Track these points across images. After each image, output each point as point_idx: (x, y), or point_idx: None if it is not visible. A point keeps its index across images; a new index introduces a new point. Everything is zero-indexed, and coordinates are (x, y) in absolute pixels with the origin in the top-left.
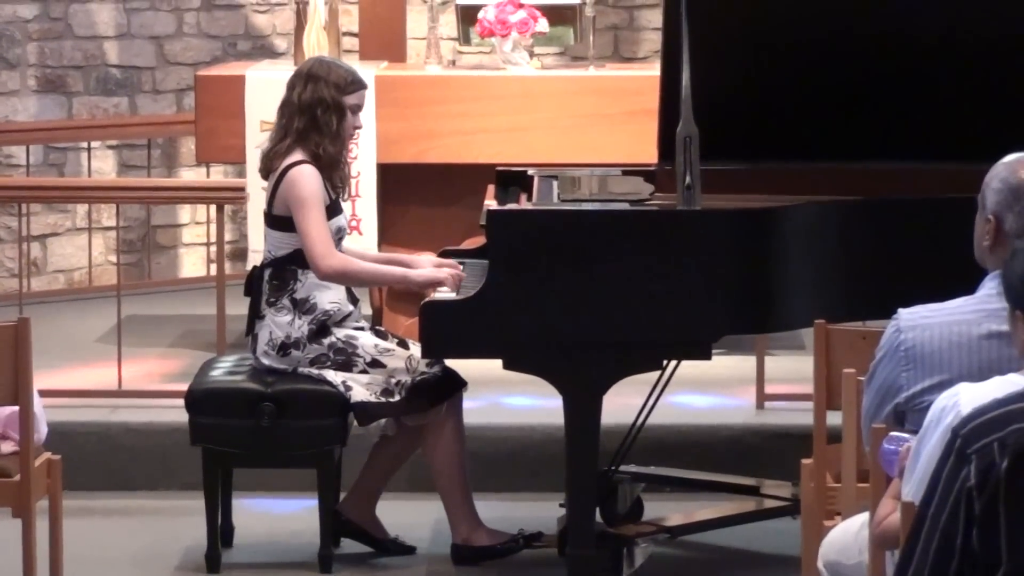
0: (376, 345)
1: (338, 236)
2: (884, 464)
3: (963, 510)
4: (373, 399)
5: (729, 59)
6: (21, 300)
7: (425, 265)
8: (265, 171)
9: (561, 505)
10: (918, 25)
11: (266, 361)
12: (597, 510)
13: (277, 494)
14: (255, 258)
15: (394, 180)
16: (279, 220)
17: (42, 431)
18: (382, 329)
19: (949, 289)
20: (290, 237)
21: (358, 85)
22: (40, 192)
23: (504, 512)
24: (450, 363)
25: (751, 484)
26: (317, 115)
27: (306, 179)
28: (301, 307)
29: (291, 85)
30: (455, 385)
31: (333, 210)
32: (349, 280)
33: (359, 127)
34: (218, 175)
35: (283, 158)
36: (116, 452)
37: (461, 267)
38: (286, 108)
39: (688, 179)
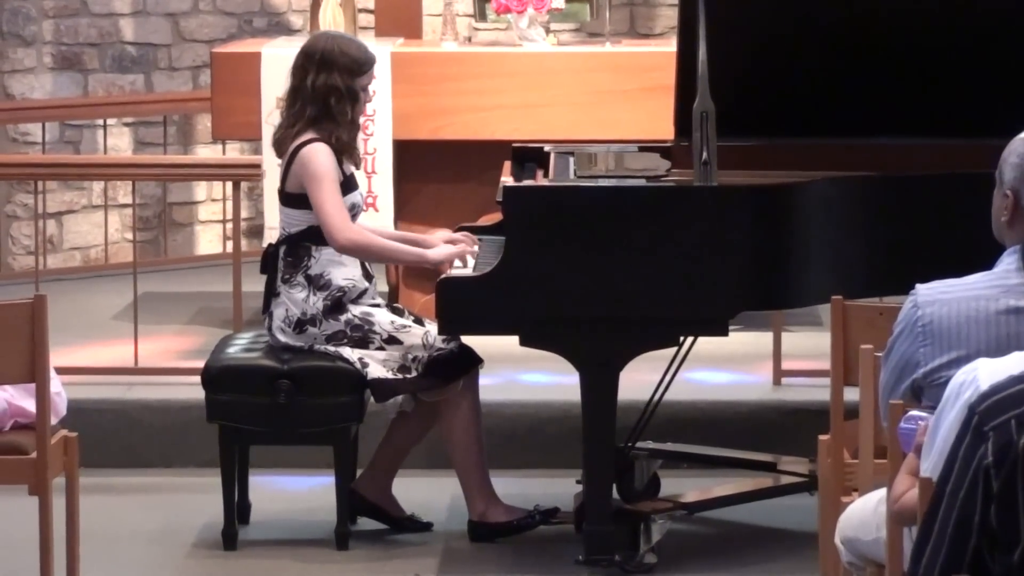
0: (392, 322)
1: (353, 213)
2: (902, 443)
3: (981, 488)
4: (390, 375)
5: (745, 34)
6: (37, 277)
7: (439, 243)
8: (278, 151)
9: (578, 481)
10: (937, 1)
11: (282, 338)
12: (614, 486)
13: (293, 471)
14: (271, 235)
15: (410, 157)
16: (292, 198)
17: (60, 410)
18: (398, 306)
19: (966, 265)
20: (304, 214)
21: (369, 64)
22: (56, 169)
23: (520, 489)
24: (466, 339)
25: (768, 460)
26: (331, 104)
27: (319, 156)
28: (316, 283)
29: (302, 68)
30: (471, 361)
31: (348, 187)
32: (367, 254)
33: (368, 102)
34: (234, 152)
35: (294, 140)
36: (132, 429)
37: (478, 241)
38: (298, 93)
39: (705, 155)
